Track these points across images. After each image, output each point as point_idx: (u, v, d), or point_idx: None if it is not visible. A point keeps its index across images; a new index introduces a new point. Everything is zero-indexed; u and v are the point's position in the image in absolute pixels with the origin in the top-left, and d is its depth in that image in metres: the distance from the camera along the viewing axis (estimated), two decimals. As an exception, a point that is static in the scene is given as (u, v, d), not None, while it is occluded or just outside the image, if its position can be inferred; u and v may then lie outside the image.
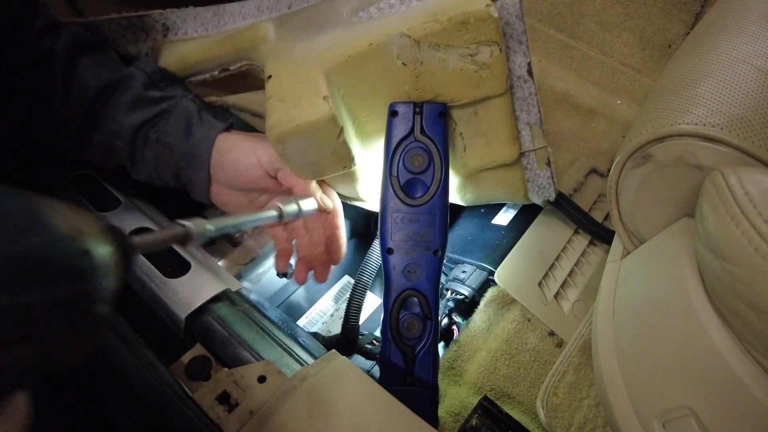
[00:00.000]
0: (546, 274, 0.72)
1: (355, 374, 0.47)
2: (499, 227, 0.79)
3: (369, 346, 0.64)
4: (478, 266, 0.75)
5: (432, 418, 0.55)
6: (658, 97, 0.45)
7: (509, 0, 0.51)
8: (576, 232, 0.75)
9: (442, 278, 0.78)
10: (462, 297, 0.73)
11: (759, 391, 0.31)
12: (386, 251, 0.55)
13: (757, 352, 0.32)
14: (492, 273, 0.72)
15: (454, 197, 0.67)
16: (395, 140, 0.54)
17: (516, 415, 0.62)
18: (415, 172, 0.54)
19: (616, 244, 0.52)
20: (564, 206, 0.64)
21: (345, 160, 0.53)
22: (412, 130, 0.54)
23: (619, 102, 0.96)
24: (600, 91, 0.97)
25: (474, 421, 0.57)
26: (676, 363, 0.37)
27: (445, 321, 0.74)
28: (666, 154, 0.39)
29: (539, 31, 1.03)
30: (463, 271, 0.75)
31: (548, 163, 0.58)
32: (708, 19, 0.54)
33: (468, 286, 0.73)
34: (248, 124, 0.64)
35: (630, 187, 0.43)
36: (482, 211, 0.82)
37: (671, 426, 0.37)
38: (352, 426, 0.43)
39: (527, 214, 0.77)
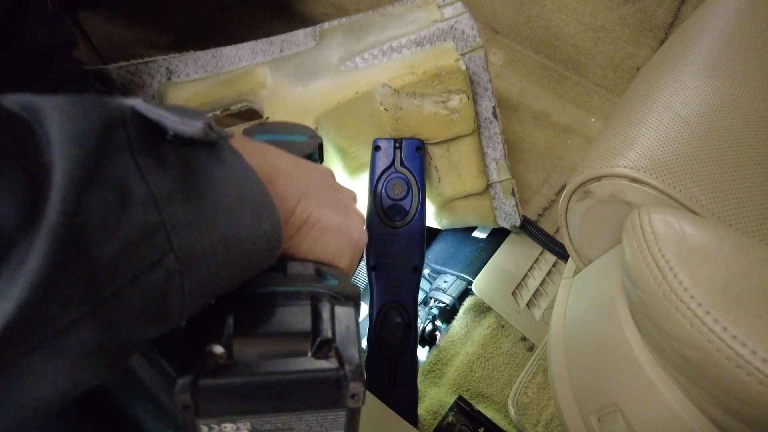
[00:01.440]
0: (519, 284, 0.80)
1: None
2: (478, 240, 0.87)
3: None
4: (458, 277, 0.82)
5: (412, 416, 0.63)
6: (602, 137, 0.52)
7: (476, 53, 0.58)
8: (547, 245, 0.83)
9: (426, 287, 0.86)
10: (444, 305, 0.80)
11: (665, 390, 0.39)
12: (371, 268, 0.62)
13: (663, 360, 0.39)
14: (471, 283, 0.79)
15: (432, 222, 0.74)
16: (378, 171, 0.62)
17: (489, 413, 0.69)
18: (395, 198, 0.62)
19: (570, 263, 0.59)
20: (529, 230, 0.72)
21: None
22: (393, 163, 0.62)
23: (593, 120, 1.03)
24: (575, 109, 1.04)
25: (450, 418, 0.65)
26: (607, 368, 0.45)
27: (429, 327, 0.82)
28: (602, 191, 0.47)
29: (519, 53, 1.10)
30: (445, 281, 0.83)
31: (513, 193, 0.66)
32: (652, 63, 0.62)
33: (449, 294, 0.81)
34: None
35: (575, 217, 0.50)
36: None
37: (604, 420, 0.45)
38: None
39: (504, 229, 0.85)
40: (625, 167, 0.45)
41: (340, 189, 0.37)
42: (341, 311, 0.28)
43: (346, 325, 0.27)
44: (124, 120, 0.20)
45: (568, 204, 0.51)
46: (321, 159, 0.49)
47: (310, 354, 0.25)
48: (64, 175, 0.17)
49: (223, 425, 0.25)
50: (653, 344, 0.39)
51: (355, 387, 0.25)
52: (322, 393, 0.25)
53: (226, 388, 0.24)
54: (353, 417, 0.26)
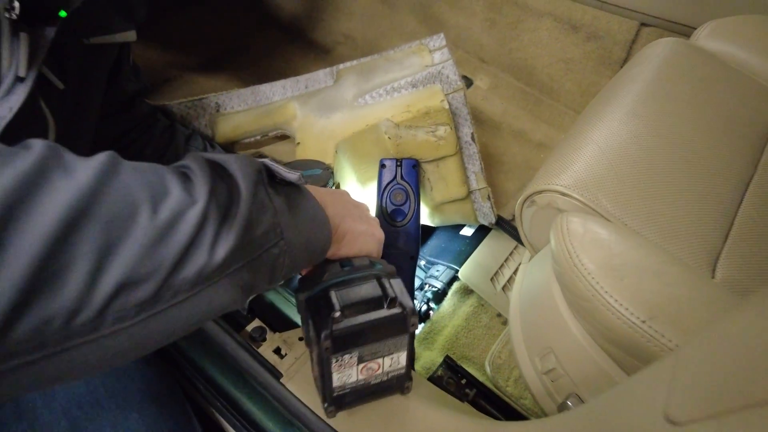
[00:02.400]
0: (497, 272, 0.99)
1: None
2: (465, 237, 1.06)
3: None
4: (448, 266, 1.02)
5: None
6: (547, 161, 0.72)
7: (457, 93, 0.77)
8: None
9: (422, 274, 1.05)
10: (436, 289, 1.00)
11: (577, 333, 0.58)
12: (379, 259, 0.82)
13: (575, 312, 0.58)
14: (457, 271, 0.99)
15: (426, 221, 0.94)
16: (384, 183, 0.81)
17: (471, 370, 0.88)
18: (397, 204, 0.81)
19: (527, 253, 0.78)
20: (503, 226, 0.91)
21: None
22: (395, 177, 0.81)
23: (563, 137, 1.23)
24: (548, 128, 1.24)
25: (439, 372, 0.84)
26: (545, 321, 0.64)
27: (424, 307, 1.01)
28: (542, 201, 0.66)
29: (502, 79, 1.29)
30: (437, 270, 1.02)
31: (489, 197, 0.85)
32: (592, 104, 0.81)
33: (440, 281, 1.00)
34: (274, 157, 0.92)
35: (526, 218, 0.69)
36: (453, 225, 1.09)
37: (543, 359, 0.64)
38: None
39: (486, 228, 1.04)
40: (558, 185, 0.64)
41: (358, 205, 0.57)
42: (394, 281, 0.48)
43: (400, 287, 0.48)
44: (261, 169, 0.40)
45: (521, 209, 0.70)
46: (330, 180, 0.69)
47: (385, 307, 0.45)
48: (245, 194, 0.36)
49: (344, 356, 0.45)
50: (568, 302, 0.58)
51: (412, 319, 0.46)
52: (395, 326, 0.46)
53: (347, 333, 0.44)
54: (411, 338, 0.48)
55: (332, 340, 0.43)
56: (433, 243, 1.08)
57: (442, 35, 0.84)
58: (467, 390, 0.83)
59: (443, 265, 1.02)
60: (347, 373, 0.47)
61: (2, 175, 0.26)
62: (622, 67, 1.15)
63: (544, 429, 0.48)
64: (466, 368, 0.88)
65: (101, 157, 0.31)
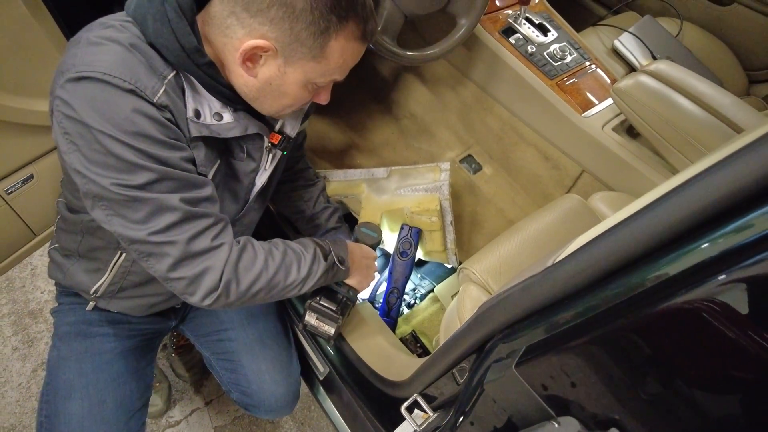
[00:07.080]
0: (456, 293, 1.74)
1: (370, 309, 1.52)
2: (446, 267, 1.82)
3: (376, 304, 1.69)
4: (431, 282, 1.78)
5: (392, 331, 1.60)
6: (480, 250, 1.45)
7: (446, 201, 1.52)
8: (475, 278, 1.76)
9: (417, 281, 1.82)
10: (421, 293, 1.77)
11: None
12: (390, 273, 1.59)
13: (461, 323, 1.33)
14: (434, 287, 1.75)
15: (421, 257, 1.70)
16: (400, 236, 1.57)
17: (424, 341, 1.65)
18: (404, 249, 1.57)
19: (462, 290, 1.53)
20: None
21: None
22: (407, 234, 1.57)
23: (496, 238, 1.93)
24: (519, 211, 1.94)
25: (407, 337, 1.61)
26: (452, 323, 1.39)
27: (413, 301, 1.78)
28: (467, 272, 1.39)
29: (499, 172, 2.00)
30: (425, 282, 1.79)
31: (455, 254, 1.60)
32: (516, 225, 1.52)
33: (425, 289, 1.77)
34: (350, 207, 1.68)
35: (461, 276, 1.43)
36: (441, 259, 1.84)
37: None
38: (369, 324, 1.48)
39: (458, 266, 1.79)
40: (473, 268, 1.38)
41: (371, 265, 1.25)
42: (348, 304, 1.24)
43: (348, 307, 1.26)
44: (331, 259, 1.15)
45: (458, 272, 1.45)
46: (379, 242, 1.46)
47: (336, 308, 1.24)
48: (321, 272, 1.11)
49: (312, 313, 1.25)
50: (458, 318, 1.34)
51: (341, 320, 1.23)
52: (333, 318, 1.24)
53: (315, 307, 1.23)
54: (338, 328, 1.24)
55: (309, 306, 1.18)
56: (428, 267, 1.85)
57: (448, 164, 1.58)
58: (418, 350, 1.61)
59: (428, 280, 1.79)
60: (312, 318, 1.19)
61: (277, 256, 1.04)
62: (569, 190, 1.84)
63: (424, 358, 1.24)
64: (422, 339, 1.65)
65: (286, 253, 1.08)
